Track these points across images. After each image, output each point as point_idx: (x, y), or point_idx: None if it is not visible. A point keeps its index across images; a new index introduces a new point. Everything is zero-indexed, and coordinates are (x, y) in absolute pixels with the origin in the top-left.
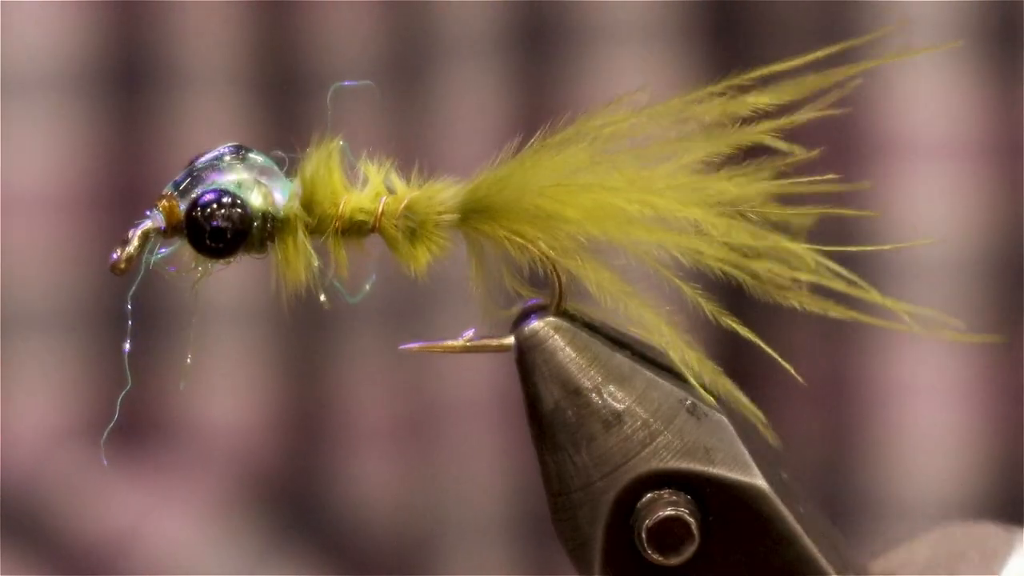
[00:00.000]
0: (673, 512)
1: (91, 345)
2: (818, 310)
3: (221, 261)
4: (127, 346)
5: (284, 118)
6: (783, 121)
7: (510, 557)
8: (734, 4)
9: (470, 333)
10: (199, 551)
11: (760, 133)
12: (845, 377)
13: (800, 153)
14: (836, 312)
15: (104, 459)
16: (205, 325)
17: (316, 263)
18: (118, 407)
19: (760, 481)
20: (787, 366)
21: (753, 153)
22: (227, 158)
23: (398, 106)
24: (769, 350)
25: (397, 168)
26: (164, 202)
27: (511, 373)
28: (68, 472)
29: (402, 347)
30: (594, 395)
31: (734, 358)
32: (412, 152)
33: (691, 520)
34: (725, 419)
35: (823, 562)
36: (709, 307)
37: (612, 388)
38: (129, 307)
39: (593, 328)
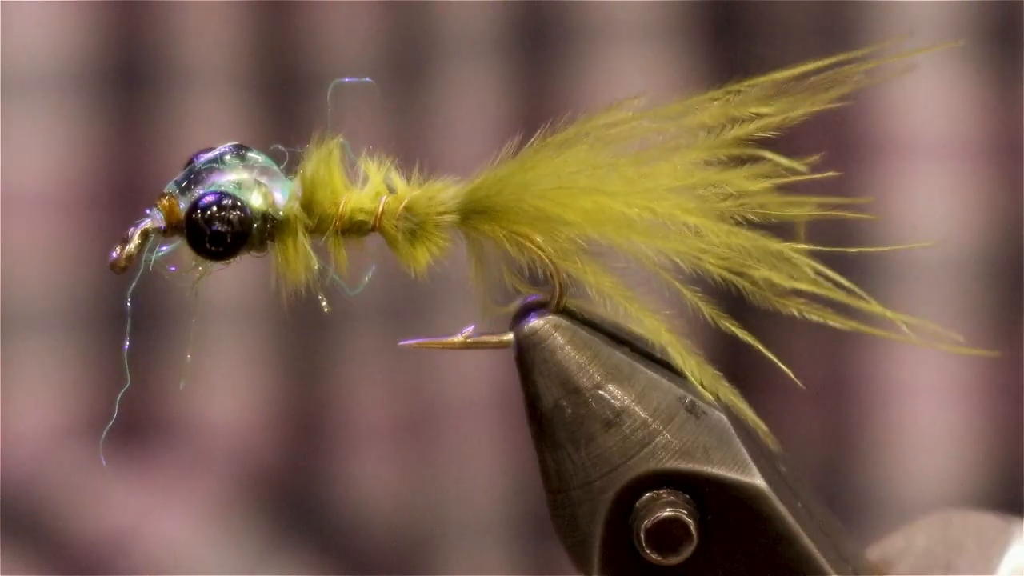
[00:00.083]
0: (671, 513)
1: (90, 344)
2: (817, 318)
3: (221, 263)
4: (127, 343)
5: (283, 117)
6: (781, 116)
7: (510, 557)
8: (734, 4)
9: (469, 329)
10: (199, 551)
11: (760, 149)
12: (845, 377)
13: (801, 167)
14: (835, 321)
15: (103, 458)
16: (204, 324)
17: (316, 266)
18: (117, 405)
19: (758, 480)
20: (787, 371)
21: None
22: (227, 157)
23: (398, 105)
24: (770, 355)
25: (397, 167)
26: (164, 201)
27: (511, 372)
28: (68, 471)
29: (401, 343)
30: (593, 394)
31: (733, 359)
32: (412, 151)
33: (689, 521)
34: (724, 416)
35: (822, 561)
36: (708, 310)
37: (611, 387)
38: (129, 304)
39: (593, 324)
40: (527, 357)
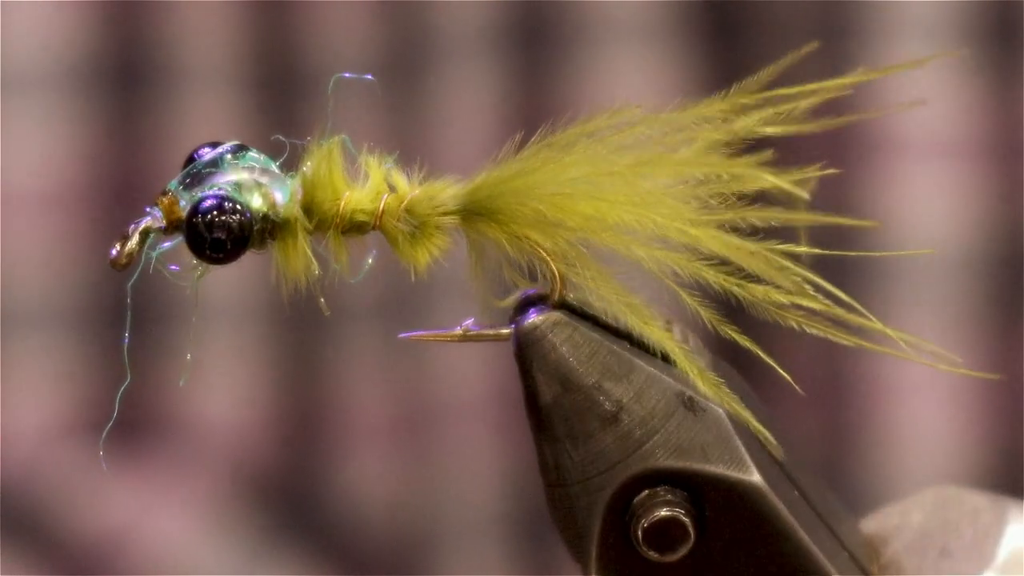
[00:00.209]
0: (669, 512)
1: (88, 342)
2: (817, 332)
3: (220, 266)
4: (127, 337)
5: (282, 116)
6: (782, 130)
7: (507, 555)
8: (732, 3)
9: (469, 322)
10: (196, 548)
11: (760, 175)
12: (842, 377)
13: (802, 193)
14: (835, 336)
15: (103, 457)
16: (202, 322)
17: (316, 268)
18: (117, 404)
19: (756, 478)
20: (787, 376)
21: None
22: (228, 157)
23: (396, 103)
24: (770, 361)
25: (397, 165)
26: (164, 200)
27: (508, 370)
28: (65, 469)
29: (401, 336)
30: (592, 392)
31: (730, 359)
32: (410, 149)
33: (686, 520)
34: (722, 412)
35: (819, 556)
36: (708, 315)
37: (610, 385)
38: (129, 299)
39: (593, 319)
40: (527, 353)
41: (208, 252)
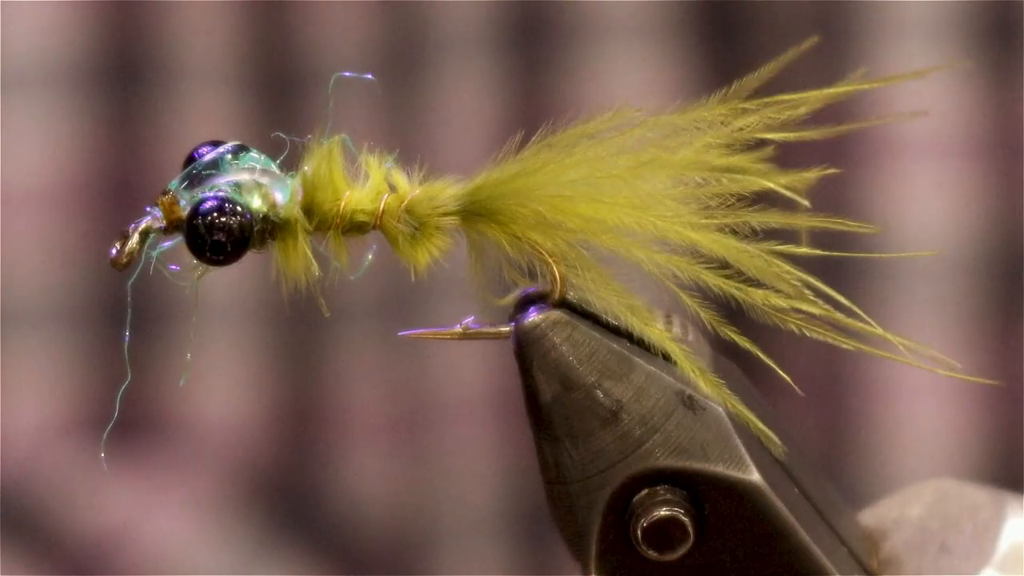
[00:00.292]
0: (668, 512)
1: (86, 341)
2: (818, 336)
3: (221, 267)
4: (127, 335)
5: (281, 115)
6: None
7: (505, 553)
8: (731, 3)
9: (469, 320)
10: (194, 547)
11: (759, 177)
12: (840, 376)
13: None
14: (835, 340)
15: (104, 457)
16: (201, 321)
17: (315, 269)
18: (118, 403)
19: (755, 477)
20: (787, 378)
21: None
22: (228, 157)
23: (395, 102)
24: (771, 363)
25: (397, 164)
26: (164, 200)
27: (507, 369)
28: (64, 468)
29: (401, 333)
30: (592, 391)
31: (730, 355)
32: (409, 148)
33: (686, 520)
34: (722, 411)
35: (818, 554)
36: (708, 316)
37: (610, 384)
38: (129, 299)
39: (592, 317)
40: (527, 352)
41: (208, 254)
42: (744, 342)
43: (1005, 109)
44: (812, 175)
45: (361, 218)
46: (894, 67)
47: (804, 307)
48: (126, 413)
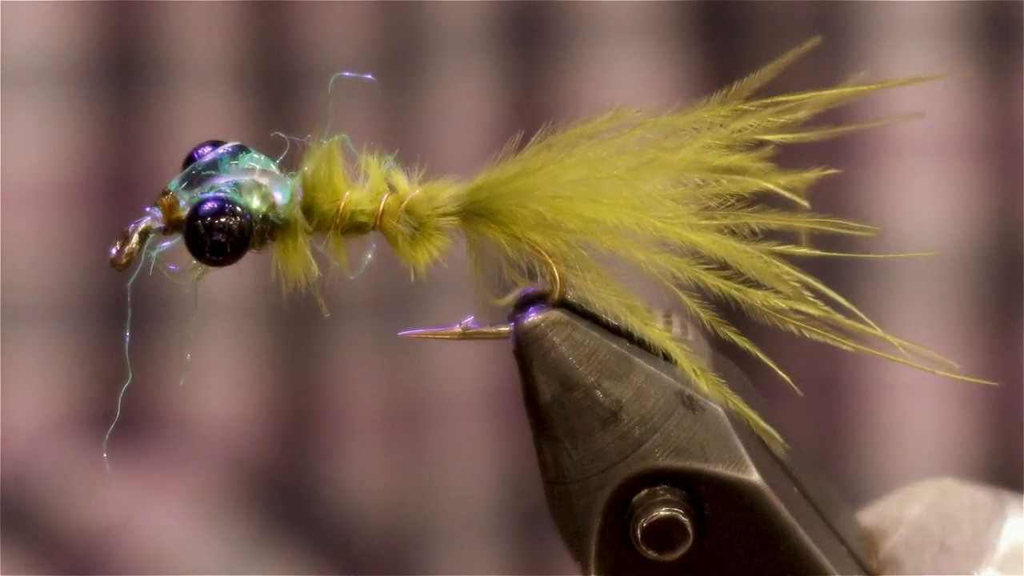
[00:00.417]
0: (668, 512)
1: (84, 338)
2: (817, 337)
3: (220, 268)
4: (127, 336)
5: (279, 113)
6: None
7: (500, 551)
8: (729, 2)
9: (468, 320)
10: (190, 544)
11: (759, 178)
12: (837, 374)
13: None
14: (835, 341)
15: (105, 457)
16: (198, 319)
17: (315, 269)
18: (119, 403)
19: (755, 477)
20: (787, 379)
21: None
22: (228, 158)
23: (391, 101)
24: (772, 364)
25: (397, 164)
26: (164, 200)
27: (502, 367)
28: (61, 464)
29: (401, 333)
30: (592, 391)
31: (726, 354)
32: (407, 146)
33: (685, 520)
34: (721, 410)
35: (817, 553)
36: (708, 316)
37: (609, 384)
38: (128, 299)
39: (592, 317)
40: (526, 352)
41: (208, 254)
42: (744, 342)
43: (1003, 109)
44: (811, 176)
45: (361, 218)
46: (892, 66)
47: (803, 308)
48: (124, 410)
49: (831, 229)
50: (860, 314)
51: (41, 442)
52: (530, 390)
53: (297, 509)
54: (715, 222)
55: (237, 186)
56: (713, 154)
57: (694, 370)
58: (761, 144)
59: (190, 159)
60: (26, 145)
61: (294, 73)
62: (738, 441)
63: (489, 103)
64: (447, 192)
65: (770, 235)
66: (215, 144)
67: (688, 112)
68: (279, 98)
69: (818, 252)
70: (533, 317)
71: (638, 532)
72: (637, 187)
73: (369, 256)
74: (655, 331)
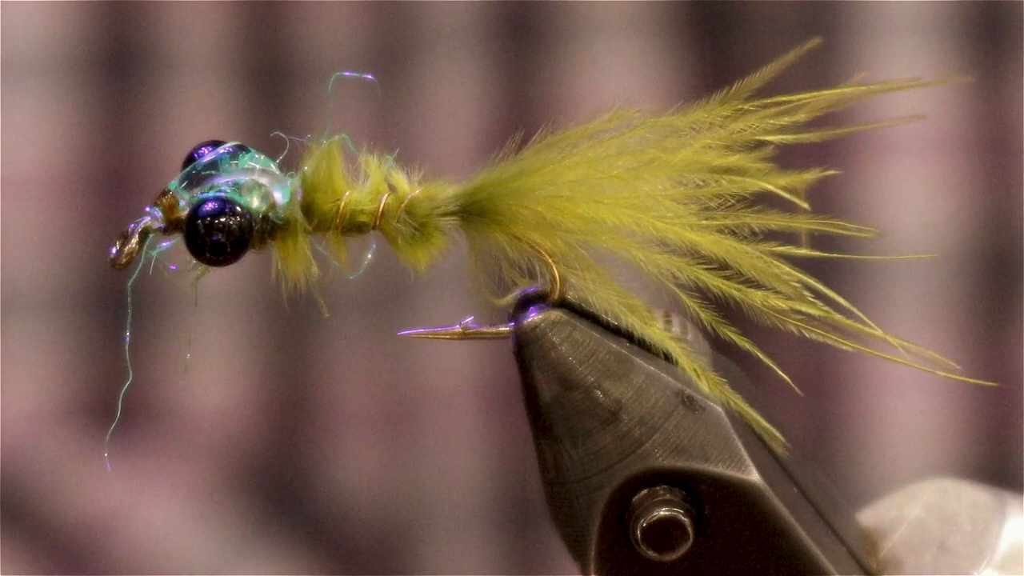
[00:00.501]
0: (668, 513)
1: (81, 328)
2: (817, 338)
3: (220, 268)
4: (127, 336)
5: (274, 105)
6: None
7: (492, 545)
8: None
9: (468, 320)
10: (183, 535)
11: (758, 178)
12: (829, 371)
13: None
14: (834, 341)
15: (98, 450)
16: (192, 312)
17: (315, 268)
18: (120, 404)
19: (755, 477)
20: (786, 378)
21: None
22: (228, 158)
23: (385, 95)
24: (772, 364)
25: (396, 163)
26: (164, 200)
27: (495, 362)
28: (55, 455)
29: (401, 333)
30: (591, 391)
31: (724, 353)
32: (398, 140)
33: (685, 520)
34: (720, 410)
35: (817, 553)
36: (708, 316)
37: (609, 384)
38: (128, 299)
39: (592, 317)
40: (526, 352)
41: (208, 254)
42: (744, 342)
43: (999, 108)
44: (811, 176)
45: (361, 218)
46: (886, 65)
47: (803, 308)
48: (117, 401)
49: (831, 229)
50: (860, 314)
51: (37, 432)
52: (530, 390)
53: (290, 502)
54: (715, 222)
55: (237, 186)
56: (713, 154)
57: (694, 370)
58: (761, 144)
59: (190, 159)
60: (24, 136)
61: (290, 65)
62: (738, 441)
63: (482, 98)
64: (447, 192)
65: (770, 235)
66: (215, 144)
67: (688, 112)
68: (275, 90)
69: (817, 253)
70: (533, 317)
71: (638, 532)
72: (637, 187)
73: (369, 256)
74: (655, 331)
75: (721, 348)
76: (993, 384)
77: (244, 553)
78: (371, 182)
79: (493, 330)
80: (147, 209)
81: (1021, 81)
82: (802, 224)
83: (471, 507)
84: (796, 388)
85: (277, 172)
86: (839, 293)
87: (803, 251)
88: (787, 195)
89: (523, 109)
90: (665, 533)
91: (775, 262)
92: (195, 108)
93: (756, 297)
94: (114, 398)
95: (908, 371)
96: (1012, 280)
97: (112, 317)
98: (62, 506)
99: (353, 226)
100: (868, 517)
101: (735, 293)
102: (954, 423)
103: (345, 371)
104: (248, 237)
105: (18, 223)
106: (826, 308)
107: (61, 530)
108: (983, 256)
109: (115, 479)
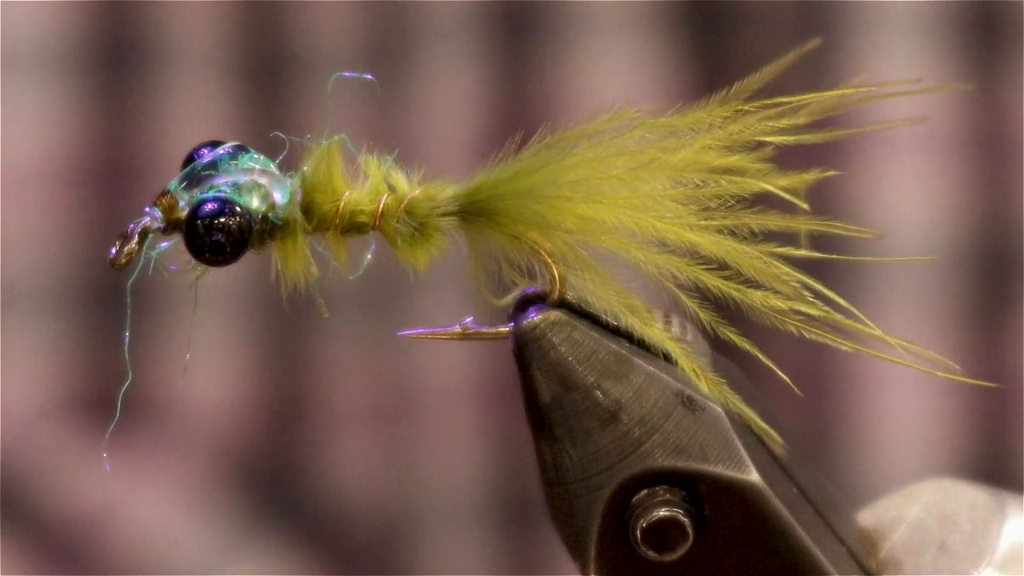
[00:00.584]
0: (667, 513)
1: (78, 324)
2: (816, 338)
3: (220, 268)
4: (127, 336)
5: (272, 102)
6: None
7: (490, 544)
8: None
9: (468, 320)
10: (177, 530)
11: (757, 179)
12: (825, 370)
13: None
14: (834, 341)
15: (106, 457)
16: (189, 308)
17: (315, 269)
18: (119, 404)
19: (754, 477)
20: (786, 378)
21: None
22: (228, 158)
23: (381, 91)
24: (772, 364)
25: (395, 163)
26: (164, 200)
27: (491, 360)
28: (52, 448)
29: (401, 333)
30: (591, 392)
31: (723, 353)
32: (394, 137)
33: (685, 520)
34: (720, 411)
35: (816, 553)
36: (707, 317)
37: (609, 385)
38: (129, 299)
39: (592, 317)
40: (526, 352)
41: (208, 254)
42: (743, 342)
43: (998, 108)
44: (811, 177)
45: (360, 219)
46: (883, 64)
47: (802, 308)
48: (112, 397)
49: (830, 230)
50: (859, 314)
51: (34, 425)
52: (529, 390)
53: (288, 500)
54: (715, 223)
55: (237, 186)
56: (712, 155)
57: (694, 370)
58: (760, 145)
59: (189, 159)
60: (23, 129)
61: (289, 62)
62: (738, 441)
63: (481, 97)
64: (446, 192)
65: (769, 236)
66: (214, 144)
67: (687, 113)
68: (273, 87)
69: (817, 254)
70: (533, 317)
71: (638, 532)
72: (637, 187)
73: (368, 256)
74: (655, 331)
75: (721, 348)
76: (992, 384)
77: (241, 550)
78: (371, 182)
79: (493, 330)
80: (147, 209)
81: (1020, 81)
82: (801, 224)
83: (469, 505)
84: (795, 388)
85: (277, 172)
86: (838, 293)
87: (802, 252)
88: (786, 196)
89: (522, 108)
90: (665, 533)
91: (774, 262)
92: (194, 104)
93: (755, 297)
94: (113, 394)
95: (907, 371)
96: (1011, 280)
97: (111, 312)
98: (60, 502)
99: (353, 226)
100: (868, 517)
101: (735, 293)
102: (953, 423)
103: (343, 370)
104: (248, 237)
105: (17, 218)
106: (825, 308)
107: (59, 526)
108: (982, 256)
109: (113, 475)
